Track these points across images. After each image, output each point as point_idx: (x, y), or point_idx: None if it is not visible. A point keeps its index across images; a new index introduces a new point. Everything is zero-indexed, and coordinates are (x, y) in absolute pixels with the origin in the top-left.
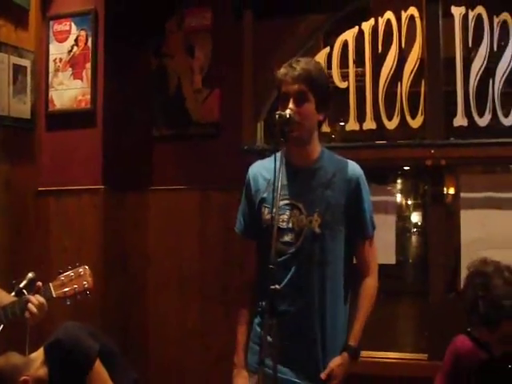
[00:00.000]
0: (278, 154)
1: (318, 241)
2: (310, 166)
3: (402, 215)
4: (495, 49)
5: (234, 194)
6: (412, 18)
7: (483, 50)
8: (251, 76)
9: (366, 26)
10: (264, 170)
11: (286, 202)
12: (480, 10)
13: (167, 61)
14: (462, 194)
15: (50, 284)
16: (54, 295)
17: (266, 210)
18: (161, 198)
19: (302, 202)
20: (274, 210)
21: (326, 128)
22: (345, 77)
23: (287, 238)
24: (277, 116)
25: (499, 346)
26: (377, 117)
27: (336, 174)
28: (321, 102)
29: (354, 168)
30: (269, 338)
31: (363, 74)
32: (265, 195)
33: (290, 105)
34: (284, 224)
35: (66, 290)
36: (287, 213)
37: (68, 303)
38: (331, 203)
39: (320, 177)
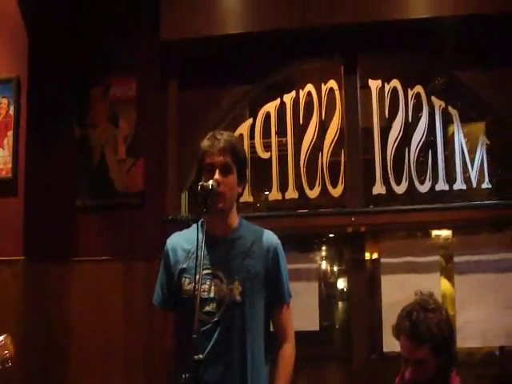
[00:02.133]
0: (199, 224)
1: (239, 309)
2: (230, 236)
3: (326, 281)
4: (410, 119)
5: (157, 264)
6: (332, 90)
7: (399, 121)
8: (175, 146)
9: (288, 97)
10: (183, 241)
11: (207, 271)
12: (395, 83)
13: (91, 130)
14: (383, 260)
15: None
16: None
17: (187, 281)
18: (84, 269)
19: (223, 270)
20: (198, 278)
21: (249, 198)
22: (267, 147)
23: (209, 307)
24: (199, 187)
25: None
26: (299, 186)
27: (254, 243)
28: (241, 174)
29: (271, 237)
30: None
31: (285, 144)
32: (184, 266)
33: (216, 175)
34: (205, 294)
35: None
36: (208, 282)
37: None
38: (251, 271)
39: (239, 246)
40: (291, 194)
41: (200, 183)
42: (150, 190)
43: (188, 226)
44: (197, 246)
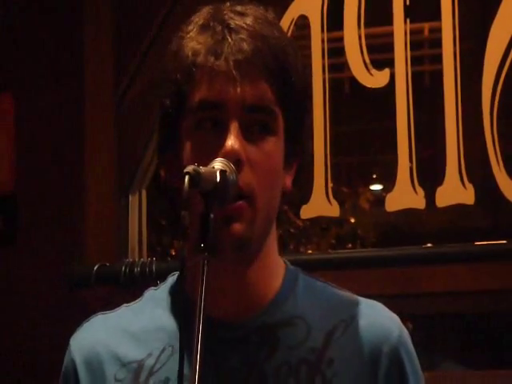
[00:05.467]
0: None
1: None
2: (262, 319)
3: None
4: None
5: None
6: None
7: None
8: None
9: None
10: (121, 338)
11: None
12: None
13: None
14: None
15: None
16: None
17: None
18: None
19: None
20: None
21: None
22: (383, 59)
23: None
24: (186, 179)
25: None
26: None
27: (333, 339)
28: (297, 137)
29: (383, 322)
30: None
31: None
32: None
33: (232, 140)
34: None
35: None
36: None
37: None
38: None
39: (289, 349)
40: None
41: (186, 169)
42: (30, 195)
43: (138, 293)
44: (180, 348)
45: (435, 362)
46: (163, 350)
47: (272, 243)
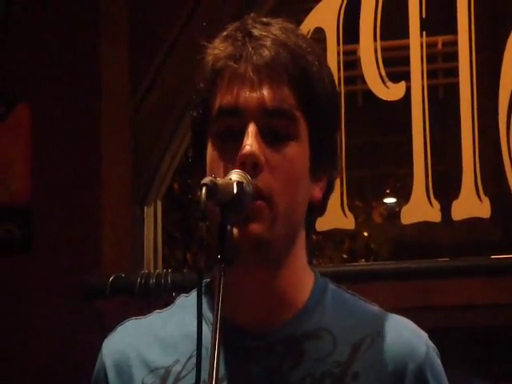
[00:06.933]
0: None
1: None
2: (288, 330)
3: None
4: None
5: None
6: None
7: None
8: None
9: None
10: (150, 344)
11: None
12: None
13: None
14: None
15: None
16: None
17: None
18: None
19: None
20: None
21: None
22: (399, 72)
23: None
24: (201, 190)
25: None
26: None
27: (360, 352)
28: (321, 144)
29: (411, 337)
30: None
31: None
32: None
33: (249, 145)
34: None
35: None
36: None
37: None
38: None
39: (315, 361)
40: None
41: (203, 181)
42: (46, 205)
43: (165, 304)
44: (197, 357)
45: (451, 377)
46: (190, 357)
47: (299, 252)
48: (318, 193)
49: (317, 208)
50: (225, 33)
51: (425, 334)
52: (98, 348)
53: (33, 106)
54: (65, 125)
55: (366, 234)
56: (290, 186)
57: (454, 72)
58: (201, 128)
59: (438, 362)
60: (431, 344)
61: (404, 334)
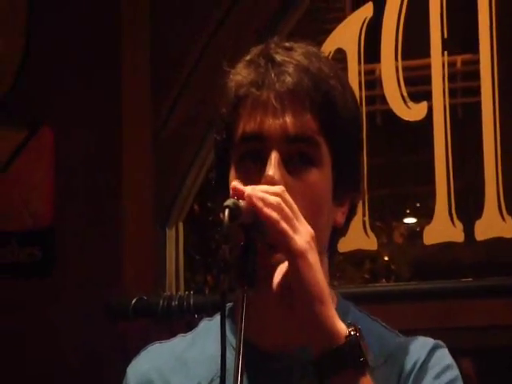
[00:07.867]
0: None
1: None
2: (310, 351)
3: None
4: None
5: None
6: None
7: None
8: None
9: None
10: (174, 367)
11: None
12: None
13: None
14: None
15: None
16: None
17: None
18: None
19: None
20: None
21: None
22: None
23: None
24: (226, 210)
25: None
26: None
27: (378, 371)
28: (345, 169)
29: (420, 342)
30: None
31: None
32: None
33: (272, 172)
34: None
35: None
36: None
37: None
38: None
39: None
40: None
41: (226, 203)
42: (68, 228)
43: (189, 327)
44: (221, 381)
45: None
46: (212, 381)
47: (325, 270)
48: (340, 217)
49: (339, 232)
50: (247, 57)
51: (438, 341)
52: (120, 369)
53: (55, 130)
54: (87, 148)
55: (386, 254)
56: (313, 212)
57: (474, 91)
58: (224, 152)
59: (447, 355)
60: (441, 344)
61: (416, 346)
